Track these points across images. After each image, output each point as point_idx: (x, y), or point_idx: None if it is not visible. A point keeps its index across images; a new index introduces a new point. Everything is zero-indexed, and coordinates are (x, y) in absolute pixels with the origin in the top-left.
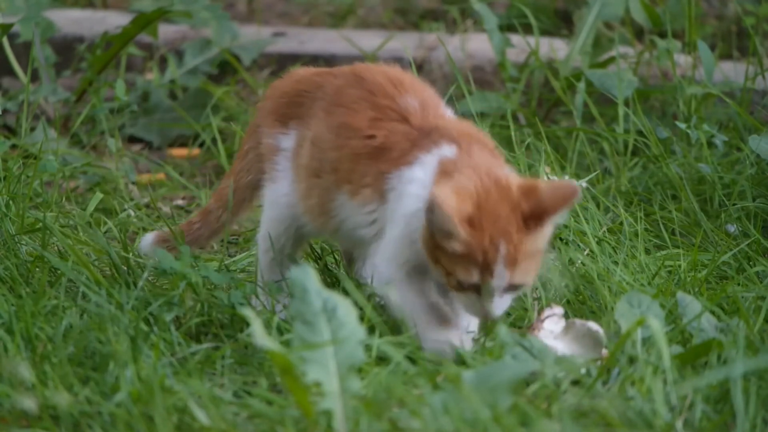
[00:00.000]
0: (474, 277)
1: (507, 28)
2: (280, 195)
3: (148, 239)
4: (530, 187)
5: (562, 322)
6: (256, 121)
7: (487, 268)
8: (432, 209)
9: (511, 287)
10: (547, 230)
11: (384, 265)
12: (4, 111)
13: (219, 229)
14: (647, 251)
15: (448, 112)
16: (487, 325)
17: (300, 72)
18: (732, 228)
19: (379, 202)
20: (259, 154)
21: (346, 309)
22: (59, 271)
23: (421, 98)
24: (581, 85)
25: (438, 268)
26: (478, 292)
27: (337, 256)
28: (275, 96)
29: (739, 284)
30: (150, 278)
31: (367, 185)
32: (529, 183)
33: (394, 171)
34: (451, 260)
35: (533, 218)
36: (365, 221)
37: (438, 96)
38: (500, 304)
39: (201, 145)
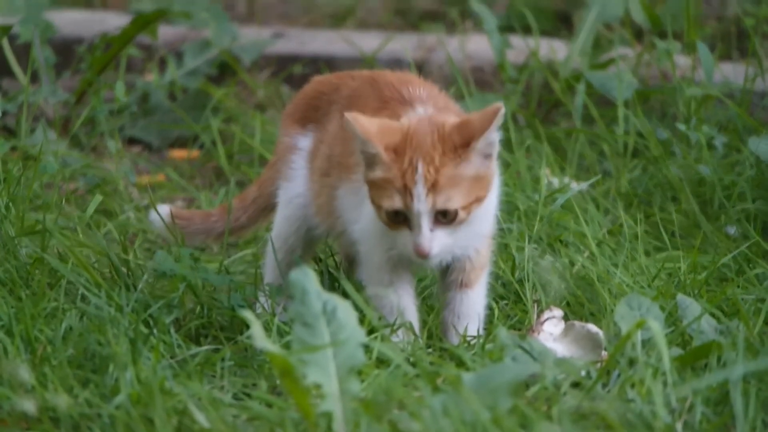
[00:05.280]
0: (396, 201)
1: (506, 29)
2: (293, 195)
3: (162, 211)
4: (463, 121)
5: (562, 325)
6: (280, 130)
7: (406, 190)
8: (350, 129)
9: (440, 215)
10: (475, 155)
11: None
12: (4, 112)
13: (235, 229)
14: (647, 253)
15: (458, 108)
16: (487, 328)
17: (322, 77)
18: (732, 230)
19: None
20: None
21: (346, 311)
22: (59, 273)
23: (429, 92)
24: (581, 87)
25: (374, 207)
26: (410, 227)
27: (337, 259)
28: (297, 100)
29: (738, 286)
30: (150, 280)
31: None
32: (463, 118)
33: None
34: (377, 191)
35: (462, 145)
36: (355, 202)
37: (448, 98)
38: (433, 239)
39: (201, 146)
